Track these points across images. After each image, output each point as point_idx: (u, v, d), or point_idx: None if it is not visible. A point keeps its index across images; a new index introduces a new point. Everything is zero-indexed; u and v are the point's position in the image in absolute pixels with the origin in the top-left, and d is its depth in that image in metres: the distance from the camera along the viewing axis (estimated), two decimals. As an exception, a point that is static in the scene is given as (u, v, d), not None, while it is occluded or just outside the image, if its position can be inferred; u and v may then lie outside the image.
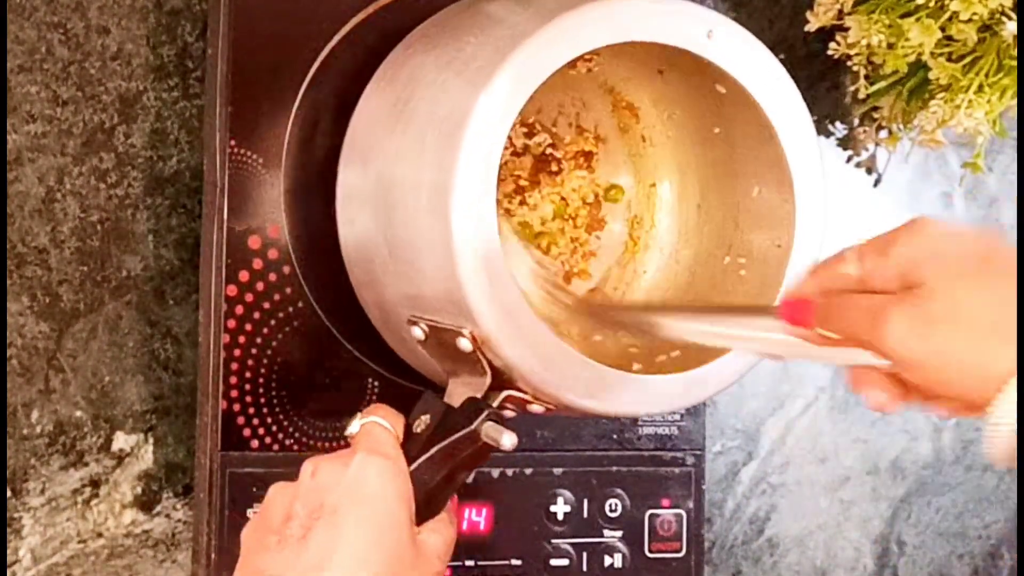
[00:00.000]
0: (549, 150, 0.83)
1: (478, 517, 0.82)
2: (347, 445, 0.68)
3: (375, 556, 0.62)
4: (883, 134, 0.97)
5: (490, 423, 0.67)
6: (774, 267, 0.74)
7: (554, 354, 0.68)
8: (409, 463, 0.66)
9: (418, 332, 0.70)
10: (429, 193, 0.67)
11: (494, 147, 0.66)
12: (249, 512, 0.77)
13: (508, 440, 0.66)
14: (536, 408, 0.69)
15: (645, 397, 0.71)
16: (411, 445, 0.68)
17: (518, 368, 0.67)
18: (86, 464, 0.82)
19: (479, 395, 0.68)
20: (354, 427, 0.69)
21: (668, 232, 0.83)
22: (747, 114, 0.74)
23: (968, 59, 0.85)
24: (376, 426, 0.68)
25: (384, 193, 0.71)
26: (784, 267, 0.74)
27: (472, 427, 0.67)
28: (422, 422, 0.69)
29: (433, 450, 0.67)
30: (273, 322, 0.78)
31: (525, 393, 0.69)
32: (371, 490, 0.64)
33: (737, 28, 0.72)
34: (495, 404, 0.68)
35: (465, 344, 0.67)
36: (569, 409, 0.69)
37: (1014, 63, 0.85)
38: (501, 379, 0.68)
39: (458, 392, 0.69)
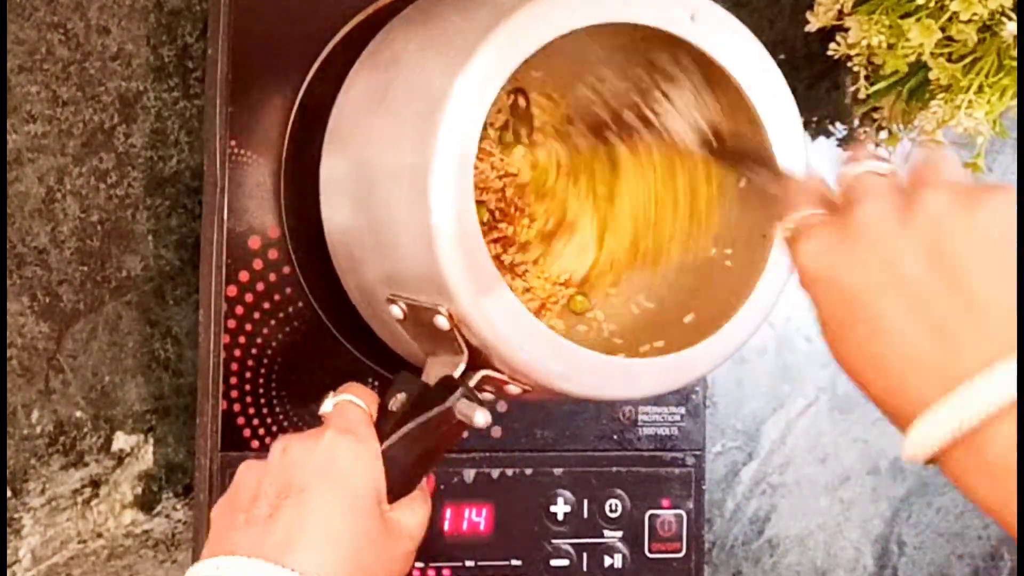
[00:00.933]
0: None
1: (478, 517, 0.82)
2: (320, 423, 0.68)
3: (343, 535, 0.62)
4: (883, 134, 0.96)
5: (464, 400, 0.67)
6: (759, 257, 0.74)
7: (532, 333, 0.68)
8: (383, 440, 0.66)
9: (397, 311, 0.70)
10: (408, 173, 0.67)
11: (473, 125, 0.66)
12: None
13: (481, 417, 0.66)
14: (513, 389, 0.69)
15: (624, 380, 0.70)
16: (385, 423, 0.68)
17: (494, 347, 0.67)
18: (86, 464, 0.82)
19: (455, 374, 0.68)
20: (327, 406, 0.68)
21: (666, 216, 0.82)
22: (732, 100, 0.74)
23: (968, 59, 0.85)
24: (349, 404, 0.68)
25: (365, 175, 0.71)
26: (767, 257, 0.74)
27: (446, 404, 0.67)
28: (397, 400, 0.69)
29: (407, 427, 0.67)
30: (273, 322, 0.78)
31: (502, 373, 0.69)
32: (340, 468, 0.64)
33: (721, 12, 0.72)
34: (471, 383, 0.68)
35: (442, 322, 0.67)
36: (546, 390, 0.69)
37: (1014, 63, 0.84)
38: (478, 358, 0.68)
39: (435, 372, 0.69)
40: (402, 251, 0.68)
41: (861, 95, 0.90)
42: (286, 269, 0.78)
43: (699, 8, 0.71)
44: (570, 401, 0.82)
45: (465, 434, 0.67)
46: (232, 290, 0.77)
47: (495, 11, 0.68)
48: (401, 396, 0.69)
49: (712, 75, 0.74)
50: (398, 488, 0.67)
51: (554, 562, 0.83)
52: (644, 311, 0.81)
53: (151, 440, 0.83)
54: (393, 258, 0.70)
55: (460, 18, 0.70)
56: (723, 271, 0.77)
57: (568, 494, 0.84)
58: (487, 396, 0.70)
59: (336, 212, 0.75)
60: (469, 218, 0.66)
